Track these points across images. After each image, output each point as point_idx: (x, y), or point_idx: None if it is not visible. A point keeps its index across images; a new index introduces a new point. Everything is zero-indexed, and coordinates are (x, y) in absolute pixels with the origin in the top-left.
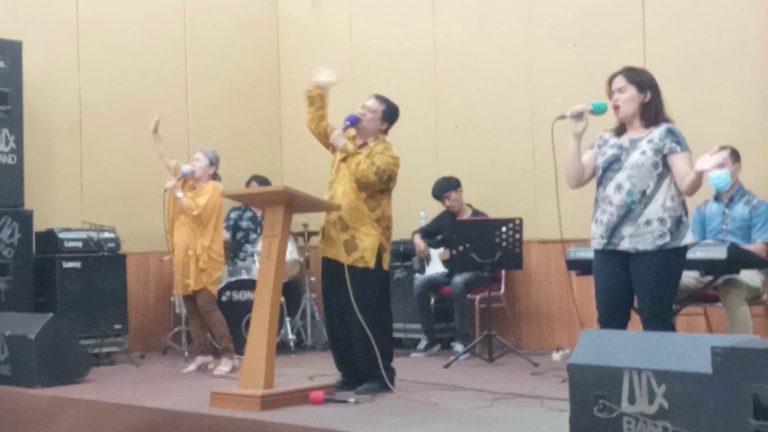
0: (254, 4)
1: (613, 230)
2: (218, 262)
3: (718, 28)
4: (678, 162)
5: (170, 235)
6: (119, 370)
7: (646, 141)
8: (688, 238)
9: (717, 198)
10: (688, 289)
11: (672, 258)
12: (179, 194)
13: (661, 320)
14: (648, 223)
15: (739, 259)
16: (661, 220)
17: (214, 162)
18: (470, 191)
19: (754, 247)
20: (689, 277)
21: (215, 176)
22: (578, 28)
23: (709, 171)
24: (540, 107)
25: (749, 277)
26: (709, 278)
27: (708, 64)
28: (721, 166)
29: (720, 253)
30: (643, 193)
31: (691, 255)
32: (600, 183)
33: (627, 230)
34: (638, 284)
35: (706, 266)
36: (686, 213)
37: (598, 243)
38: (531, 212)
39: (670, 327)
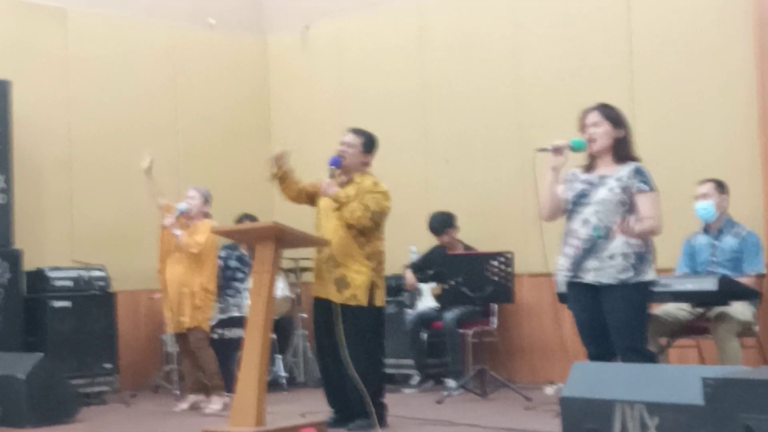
0: (243, 44)
1: (579, 263)
2: (212, 300)
3: (704, 61)
4: (643, 202)
5: (161, 273)
6: (110, 409)
7: (615, 179)
8: (652, 274)
9: (706, 230)
10: (680, 322)
11: (636, 292)
12: (178, 232)
13: (635, 351)
14: (612, 257)
15: (729, 290)
16: (625, 255)
17: (207, 199)
18: (461, 226)
19: (746, 279)
20: (680, 309)
21: (206, 214)
22: (566, 63)
23: None
24: (529, 142)
25: (740, 311)
26: (701, 310)
27: (694, 97)
28: (705, 196)
29: (711, 284)
30: (609, 228)
31: (681, 287)
32: (569, 217)
33: (591, 264)
34: (608, 318)
35: (697, 298)
36: (649, 251)
37: (564, 276)
38: (522, 246)
39: (647, 357)
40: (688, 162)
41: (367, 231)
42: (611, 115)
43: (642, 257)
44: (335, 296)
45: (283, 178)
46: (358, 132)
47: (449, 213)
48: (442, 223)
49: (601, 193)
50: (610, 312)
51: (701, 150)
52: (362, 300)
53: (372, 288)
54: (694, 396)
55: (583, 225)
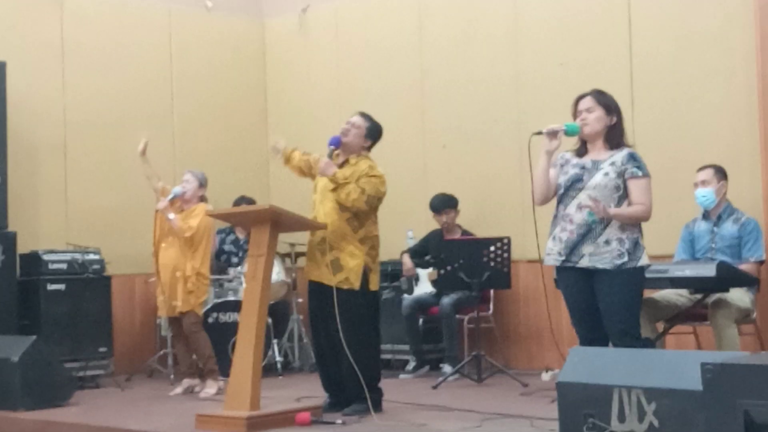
0: (240, 24)
1: (573, 248)
2: (205, 284)
3: (704, 46)
4: (634, 187)
5: (155, 257)
6: (104, 393)
7: (609, 163)
8: (645, 259)
9: (705, 216)
10: (678, 308)
11: (631, 277)
12: (171, 215)
13: (629, 336)
14: (607, 242)
15: (728, 276)
16: (620, 241)
17: (203, 183)
18: (459, 211)
19: (746, 266)
20: (679, 295)
21: (202, 198)
22: (565, 48)
23: None
24: (527, 127)
25: (738, 297)
26: (699, 296)
27: (694, 82)
28: (705, 183)
29: (709, 270)
30: None
31: (680, 273)
32: (560, 201)
33: (587, 249)
34: (602, 303)
35: (695, 284)
36: (642, 236)
37: (554, 260)
38: (519, 232)
39: (639, 342)
40: (688, 149)
41: (361, 215)
42: (604, 101)
43: (636, 243)
44: (328, 279)
45: (288, 159)
46: (365, 116)
47: (452, 195)
48: (443, 202)
49: (596, 178)
50: (603, 297)
51: (701, 137)
52: (355, 284)
53: (366, 272)
54: (693, 381)
55: (578, 210)
